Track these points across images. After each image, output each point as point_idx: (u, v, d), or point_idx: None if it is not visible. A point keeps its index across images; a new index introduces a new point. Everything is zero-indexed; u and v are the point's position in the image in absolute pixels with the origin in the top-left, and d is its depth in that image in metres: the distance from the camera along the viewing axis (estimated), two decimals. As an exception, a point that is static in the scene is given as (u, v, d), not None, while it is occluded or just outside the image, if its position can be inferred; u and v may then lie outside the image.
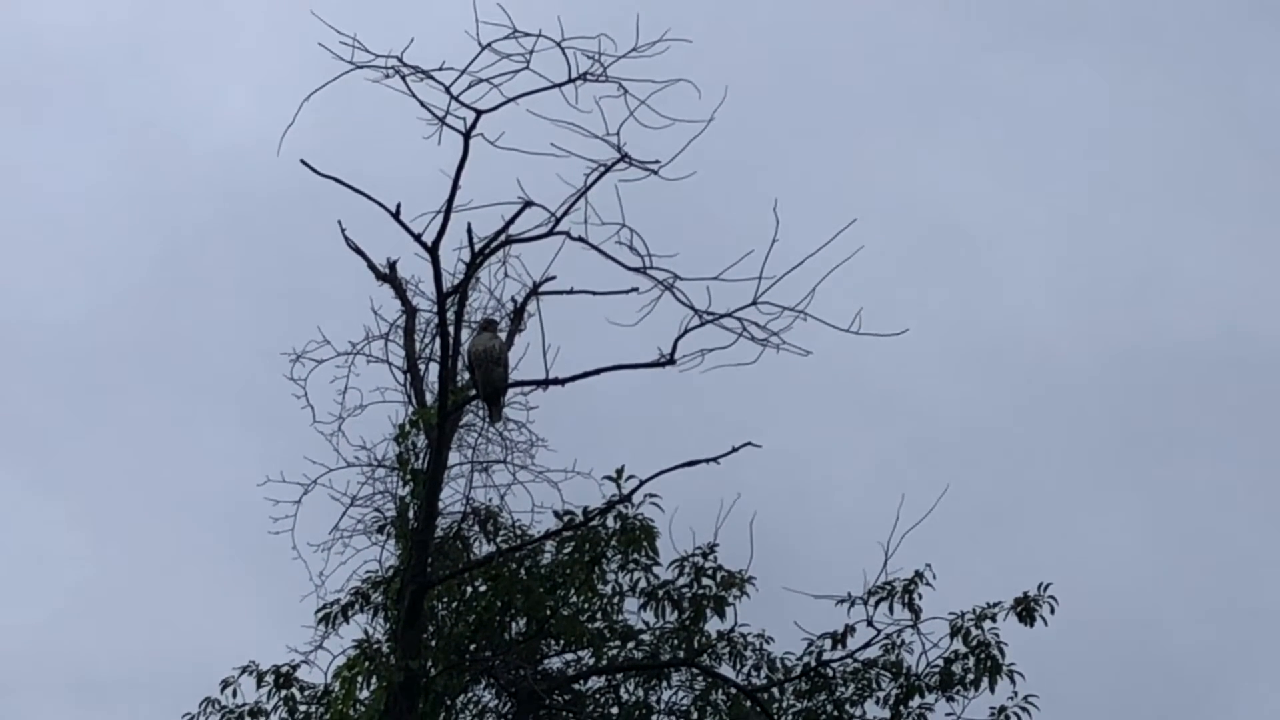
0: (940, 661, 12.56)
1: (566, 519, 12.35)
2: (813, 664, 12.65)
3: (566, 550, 12.56)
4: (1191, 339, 23.74)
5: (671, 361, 11.08)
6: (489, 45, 10.29)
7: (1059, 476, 22.58)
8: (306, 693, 12.79)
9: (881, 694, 12.67)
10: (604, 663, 12.68)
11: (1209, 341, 23.68)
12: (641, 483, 11.90)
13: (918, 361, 21.01)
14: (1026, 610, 12.44)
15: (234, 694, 12.88)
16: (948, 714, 12.60)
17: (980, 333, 23.90)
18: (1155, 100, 25.89)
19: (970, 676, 12.46)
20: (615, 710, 12.80)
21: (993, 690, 12.44)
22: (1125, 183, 25.76)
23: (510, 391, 12.55)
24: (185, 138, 24.40)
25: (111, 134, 24.99)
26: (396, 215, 10.82)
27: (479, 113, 10.50)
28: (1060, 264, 25.16)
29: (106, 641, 20.37)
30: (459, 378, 12.32)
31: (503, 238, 11.38)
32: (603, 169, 10.72)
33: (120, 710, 19.71)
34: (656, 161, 10.65)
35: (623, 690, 12.86)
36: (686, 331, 11.04)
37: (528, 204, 11.00)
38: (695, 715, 12.78)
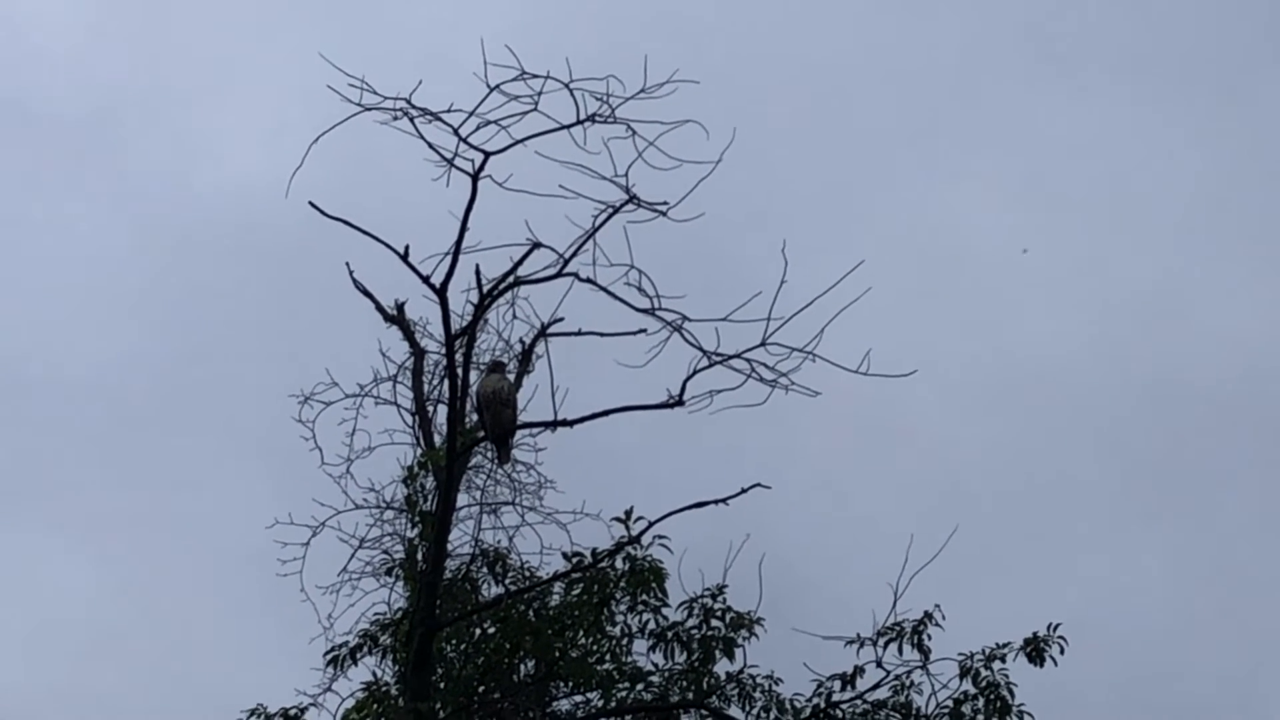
0: (950, 702, 12.51)
1: (575, 560, 12.33)
2: (822, 705, 12.59)
3: (575, 592, 12.52)
4: (1211, 373, 23.62)
5: (680, 403, 11.05)
6: (497, 87, 10.26)
7: (1073, 514, 22.45)
8: (315, 735, 12.74)
9: (891, 735, 12.63)
10: (613, 704, 12.63)
11: (1229, 375, 23.56)
12: (650, 524, 11.85)
13: (931, 398, 20.95)
14: (1036, 651, 12.42)
15: (242, 737, 12.82)
16: (958, 755, 12.57)
17: (995, 368, 23.81)
18: (1175, 132, 25.83)
19: (980, 717, 12.42)
20: (624, 752, 12.76)
21: (1002, 731, 12.41)
22: (1143, 215, 25.68)
23: (519, 433, 12.52)
24: (193, 182, 24.38)
25: (118, 183, 24.97)
26: (405, 257, 10.79)
27: (487, 154, 10.47)
28: (1077, 299, 25.06)
29: (121, 685, 20.29)
30: (467, 419, 12.31)
31: (511, 279, 11.36)
32: (611, 210, 10.68)
33: (133, 753, 19.66)
34: (665, 203, 10.62)
35: (632, 732, 12.81)
36: (695, 373, 11.01)
37: (536, 245, 10.97)
38: (705, 757, 12.74)
